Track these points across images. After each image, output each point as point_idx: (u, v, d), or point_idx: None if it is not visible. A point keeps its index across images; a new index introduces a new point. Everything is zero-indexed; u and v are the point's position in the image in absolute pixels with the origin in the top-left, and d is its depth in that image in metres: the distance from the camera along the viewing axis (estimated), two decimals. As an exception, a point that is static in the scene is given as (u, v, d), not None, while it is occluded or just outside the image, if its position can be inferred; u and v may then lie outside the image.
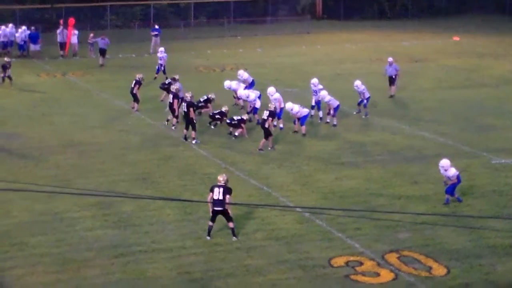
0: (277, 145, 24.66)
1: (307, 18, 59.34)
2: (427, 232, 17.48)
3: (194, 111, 25.35)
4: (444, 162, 19.27)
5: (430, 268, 15.70)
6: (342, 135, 26.30)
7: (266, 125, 24.08)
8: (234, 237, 16.97)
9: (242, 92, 28.00)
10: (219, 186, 16.82)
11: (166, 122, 27.03)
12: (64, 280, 15.01)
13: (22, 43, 43.46)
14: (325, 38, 52.62)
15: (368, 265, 15.81)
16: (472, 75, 38.46)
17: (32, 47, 43.46)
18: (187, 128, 25.08)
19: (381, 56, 44.65)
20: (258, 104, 27.21)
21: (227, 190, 16.80)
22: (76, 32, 44.10)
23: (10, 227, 17.68)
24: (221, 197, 16.66)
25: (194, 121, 25.06)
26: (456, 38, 52.18)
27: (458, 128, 27.45)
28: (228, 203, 16.69)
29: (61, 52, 43.91)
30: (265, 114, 24.37)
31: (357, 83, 28.79)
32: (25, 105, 30.89)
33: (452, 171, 19.18)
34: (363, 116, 28.76)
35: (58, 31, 44.30)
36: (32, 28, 44.06)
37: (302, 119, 25.99)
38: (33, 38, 43.43)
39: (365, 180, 21.42)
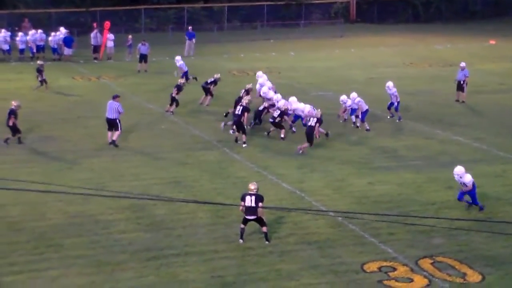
0: (308, 149, 24.59)
1: (340, 22, 59.24)
2: (462, 238, 17.31)
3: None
4: (459, 170, 18.89)
5: (465, 274, 15.53)
6: (375, 140, 26.16)
7: (314, 132, 24.23)
8: (266, 241, 16.95)
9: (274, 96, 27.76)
10: (251, 195, 16.73)
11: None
12: (99, 282, 15.11)
13: (56, 46, 43.92)
14: (359, 42, 52.44)
15: (402, 270, 15.69)
16: (508, 79, 38.04)
17: (66, 50, 43.91)
18: (238, 131, 25.30)
19: (415, 60, 44.46)
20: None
21: (259, 198, 16.70)
22: (112, 36, 44.49)
23: (45, 228, 17.86)
24: (253, 205, 16.58)
25: (245, 125, 25.32)
26: (493, 42, 51.65)
27: (494, 133, 27.15)
28: (263, 207, 16.64)
29: (94, 55, 44.31)
30: (312, 121, 24.34)
31: (389, 84, 28.61)
32: (60, 108, 31.22)
33: (468, 178, 18.78)
34: (397, 120, 28.58)
35: (92, 34, 44.75)
36: (66, 31, 44.54)
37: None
38: (66, 42, 43.89)
39: (398, 185, 21.27)
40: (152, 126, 27.89)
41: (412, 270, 15.72)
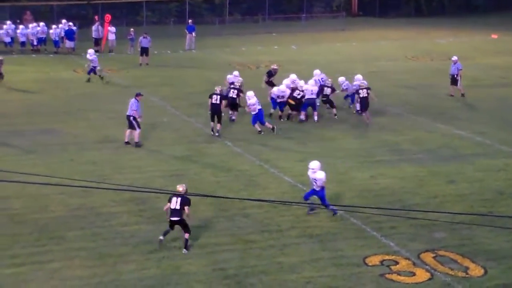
0: (310, 143, 24.59)
1: (342, 15, 59.18)
2: (464, 232, 17.29)
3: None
4: (314, 164, 18.23)
5: (467, 268, 15.53)
6: (377, 133, 26.14)
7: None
8: (184, 250, 16.19)
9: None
10: (177, 196, 16.21)
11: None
12: (101, 274, 15.12)
13: (57, 39, 43.90)
14: (360, 35, 52.37)
15: (404, 264, 15.69)
16: (510, 73, 37.97)
17: (68, 43, 43.88)
18: (213, 120, 25.30)
19: (417, 54, 44.39)
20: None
21: (185, 201, 16.15)
22: (114, 28, 44.45)
23: (47, 221, 17.87)
24: (178, 207, 16.07)
25: (222, 113, 25.42)
26: (495, 36, 51.57)
27: (495, 127, 27.11)
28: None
29: (96, 48, 44.25)
30: (363, 92, 26.95)
31: (341, 79, 29.39)
32: (61, 101, 31.21)
33: (320, 175, 18.00)
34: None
35: (93, 27, 44.73)
36: (69, 24, 44.52)
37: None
38: (68, 35, 43.85)
39: (401, 178, 21.26)
40: (154, 119, 27.85)
41: (414, 264, 15.72)
